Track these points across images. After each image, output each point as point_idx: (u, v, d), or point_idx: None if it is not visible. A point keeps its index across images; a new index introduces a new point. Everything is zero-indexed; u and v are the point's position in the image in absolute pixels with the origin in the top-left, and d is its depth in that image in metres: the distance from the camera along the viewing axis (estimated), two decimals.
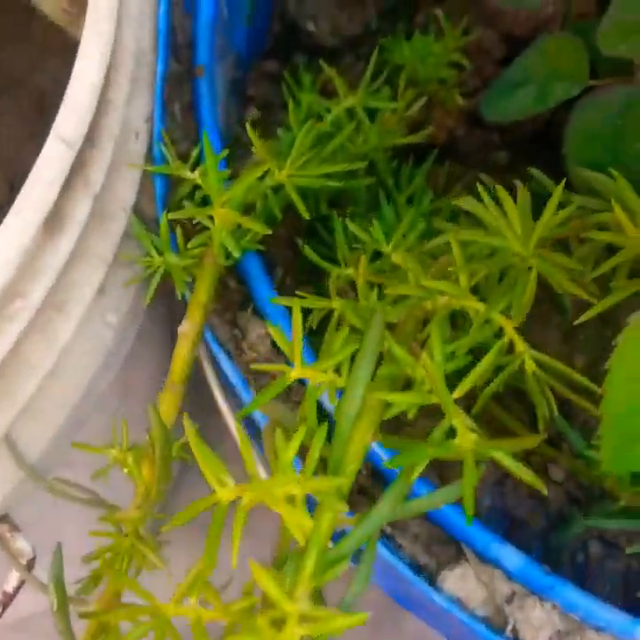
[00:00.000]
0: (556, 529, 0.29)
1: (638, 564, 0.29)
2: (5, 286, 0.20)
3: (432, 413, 0.20)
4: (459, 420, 0.17)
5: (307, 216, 0.22)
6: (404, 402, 0.17)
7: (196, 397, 0.32)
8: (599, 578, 0.29)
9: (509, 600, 0.21)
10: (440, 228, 0.22)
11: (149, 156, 0.25)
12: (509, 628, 0.20)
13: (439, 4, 0.38)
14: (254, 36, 0.35)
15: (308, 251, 0.24)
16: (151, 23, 0.28)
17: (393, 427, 0.24)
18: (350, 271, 0.23)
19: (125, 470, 0.22)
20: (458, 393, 0.17)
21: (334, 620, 0.14)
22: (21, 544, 0.25)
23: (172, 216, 0.22)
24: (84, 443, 0.22)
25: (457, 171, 0.33)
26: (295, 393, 0.24)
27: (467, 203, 0.21)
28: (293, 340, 0.18)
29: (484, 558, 0.21)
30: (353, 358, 0.18)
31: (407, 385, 0.18)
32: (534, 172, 0.24)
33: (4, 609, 0.26)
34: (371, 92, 0.29)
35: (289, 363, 0.20)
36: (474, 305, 0.18)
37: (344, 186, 0.27)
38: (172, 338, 0.24)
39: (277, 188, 0.23)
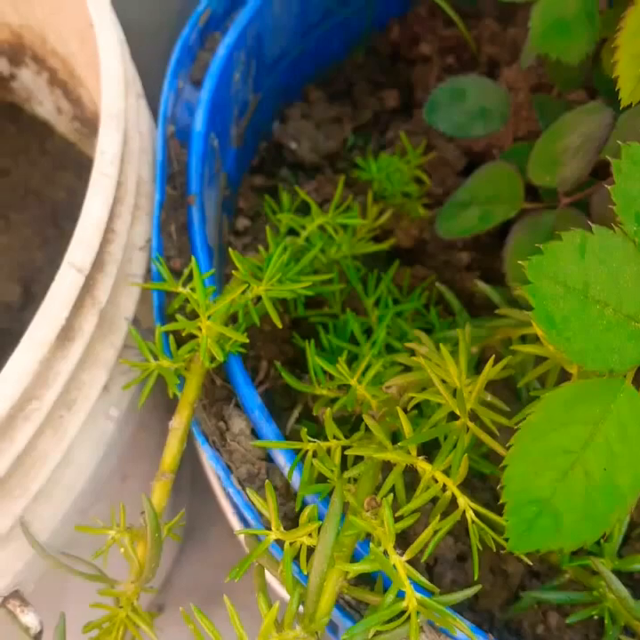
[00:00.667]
0: (513, 601, 0.31)
1: (595, 634, 0.31)
2: (24, 392, 0.24)
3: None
4: (406, 586, 0.20)
5: (280, 325, 0.26)
6: (360, 570, 0.20)
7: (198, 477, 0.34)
8: None
9: None
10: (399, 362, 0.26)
11: (148, 274, 0.29)
12: None
13: (407, 122, 0.43)
14: (243, 156, 0.40)
15: (285, 374, 0.28)
16: (149, 156, 0.32)
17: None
18: (324, 392, 0.27)
19: (122, 550, 0.25)
20: (407, 556, 0.20)
21: None
22: (30, 618, 0.27)
23: (165, 328, 0.26)
24: (87, 526, 0.25)
25: (420, 273, 0.37)
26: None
27: (419, 347, 0.25)
28: (269, 509, 0.21)
29: None
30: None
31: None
32: (480, 285, 0.28)
33: None
34: (341, 210, 0.33)
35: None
36: (422, 465, 0.22)
37: (317, 293, 0.31)
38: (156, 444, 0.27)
39: (258, 299, 0.27)
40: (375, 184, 0.37)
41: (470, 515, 0.21)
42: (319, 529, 0.21)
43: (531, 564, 0.22)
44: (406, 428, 0.22)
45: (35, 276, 0.44)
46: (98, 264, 0.26)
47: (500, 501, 0.18)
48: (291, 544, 0.22)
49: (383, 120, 0.45)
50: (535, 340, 0.23)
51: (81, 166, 0.48)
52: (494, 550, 0.21)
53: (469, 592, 0.21)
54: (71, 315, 0.25)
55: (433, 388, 0.23)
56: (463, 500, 0.21)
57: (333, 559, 0.20)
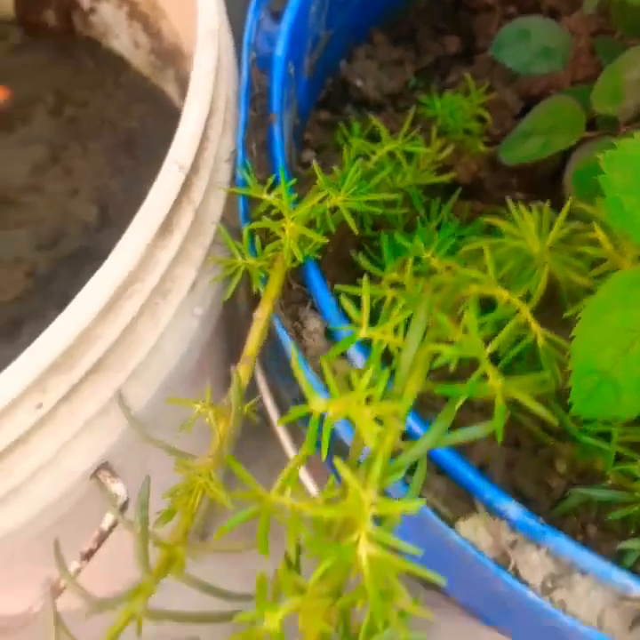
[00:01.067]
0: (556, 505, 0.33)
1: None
2: (130, 272, 0.26)
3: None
4: (490, 368, 0.22)
5: (356, 231, 0.28)
6: (447, 353, 0.22)
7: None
8: None
9: (512, 546, 0.26)
10: (470, 240, 0.28)
11: (233, 182, 0.32)
12: (511, 566, 0.26)
13: (468, 67, 0.45)
14: (312, 88, 0.42)
15: (361, 258, 0.31)
16: (235, 79, 0.35)
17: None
18: (394, 275, 0.29)
19: (206, 420, 0.28)
20: (490, 349, 0.23)
21: (397, 504, 0.19)
22: (118, 488, 0.31)
23: (253, 226, 0.29)
24: (176, 399, 0.28)
25: (478, 207, 0.39)
26: None
27: (493, 219, 0.27)
28: (362, 308, 0.23)
29: (492, 511, 0.26)
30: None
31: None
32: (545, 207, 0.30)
33: (99, 545, 0.32)
34: (408, 139, 0.35)
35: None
36: (499, 292, 0.24)
37: (384, 212, 0.33)
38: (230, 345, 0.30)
39: (333, 210, 0.30)
40: (439, 120, 0.39)
41: (541, 341, 0.23)
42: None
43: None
44: (488, 255, 0.24)
45: (110, 200, 0.47)
46: (194, 168, 0.29)
47: (567, 369, 0.20)
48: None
49: (444, 65, 0.46)
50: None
51: (154, 99, 0.51)
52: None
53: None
54: (171, 210, 0.28)
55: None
56: (535, 324, 0.23)
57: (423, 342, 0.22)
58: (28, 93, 0.51)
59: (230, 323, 0.39)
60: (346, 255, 0.37)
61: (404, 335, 0.23)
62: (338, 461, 0.19)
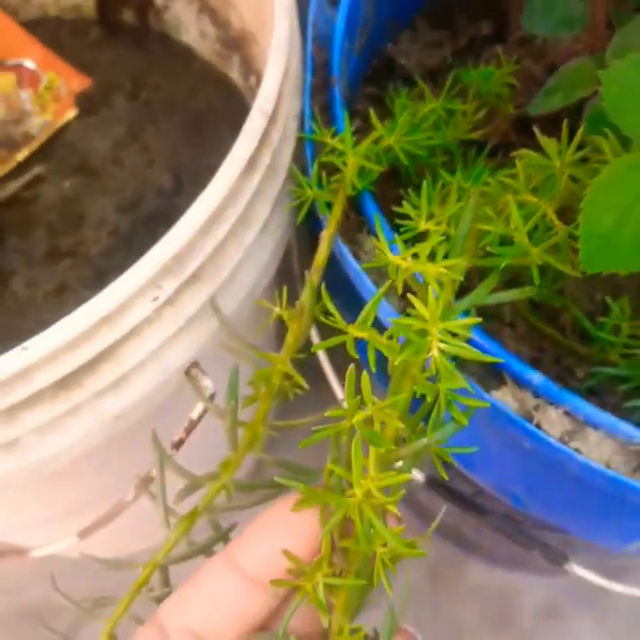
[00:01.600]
0: None
1: None
2: (223, 200, 0.33)
3: None
4: (528, 243, 0.27)
5: (405, 162, 0.34)
6: (494, 230, 0.28)
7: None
8: None
9: (535, 408, 0.32)
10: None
11: (301, 132, 0.38)
12: (534, 422, 0.31)
13: (500, 46, 0.51)
14: (360, 65, 0.48)
15: (410, 194, 0.36)
16: (300, 53, 0.41)
17: None
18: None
19: (285, 319, 0.33)
20: (527, 227, 0.28)
21: (460, 322, 0.24)
22: (206, 382, 0.37)
23: (322, 159, 0.35)
24: (262, 300, 0.34)
25: (507, 162, 0.45)
26: None
27: (522, 152, 0.33)
28: (422, 205, 0.29)
29: (518, 381, 0.32)
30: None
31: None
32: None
33: (188, 434, 0.38)
34: (448, 100, 0.41)
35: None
36: (530, 197, 0.30)
37: (427, 161, 0.39)
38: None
39: (387, 150, 0.36)
40: (474, 86, 0.45)
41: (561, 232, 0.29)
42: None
43: None
44: (520, 169, 0.30)
45: (181, 169, 0.54)
46: (272, 118, 0.35)
47: (577, 233, 0.26)
48: None
49: (477, 45, 0.52)
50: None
51: (219, 82, 0.58)
52: None
53: None
54: (255, 150, 0.34)
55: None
56: (557, 222, 0.29)
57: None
58: (109, 82, 0.58)
59: (289, 257, 0.45)
60: (395, 196, 0.43)
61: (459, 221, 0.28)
62: (411, 296, 0.24)
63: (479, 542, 0.63)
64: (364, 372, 0.23)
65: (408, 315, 0.25)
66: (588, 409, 0.31)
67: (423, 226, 0.28)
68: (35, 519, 0.49)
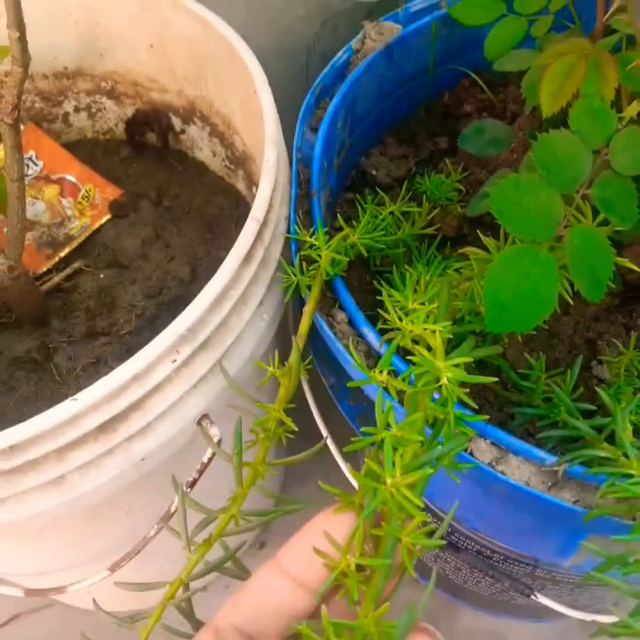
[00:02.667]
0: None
1: None
2: (226, 285, 0.43)
3: None
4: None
5: (365, 254, 0.45)
6: (464, 305, 0.37)
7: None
8: None
9: (470, 440, 0.40)
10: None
11: (288, 233, 0.49)
12: (468, 451, 0.40)
13: (453, 157, 0.62)
14: (340, 177, 0.60)
15: (376, 285, 0.47)
16: (288, 171, 0.53)
17: None
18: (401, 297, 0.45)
19: (278, 376, 0.43)
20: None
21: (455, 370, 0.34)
22: (214, 430, 0.46)
23: (303, 253, 0.45)
24: (260, 362, 0.44)
25: (455, 251, 0.55)
26: None
27: (467, 250, 0.43)
28: (408, 291, 0.39)
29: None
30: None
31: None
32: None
33: (200, 475, 0.47)
34: (404, 204, 0.52)
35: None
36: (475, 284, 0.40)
37: (387, 251, 0.50)
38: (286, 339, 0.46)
39: (353, 246, 0.46)
40: (428, 192, 0.56)
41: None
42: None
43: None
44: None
45: (197, 262, 0.64)
46: (264, 223, 0.46)
47: (482, 300, 0.35)
48: None
49: (436, 157, 0.64)
50: None
51: (228, 192, 0.70)
52: None
53: None
54: (251, 247, 0.44)
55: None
56: None
57: None
58: (136, 191, 0.70)
59: (285, 326, 0.55)
60: (364, 285, 0.53)
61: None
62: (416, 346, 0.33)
63: (465, 588, 0.70)
64: (388, 403, 0.32)
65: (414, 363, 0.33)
66: (507, 439, 0.39)
67: (411, 305, 0.37)
68: (73, 561, 0.57)
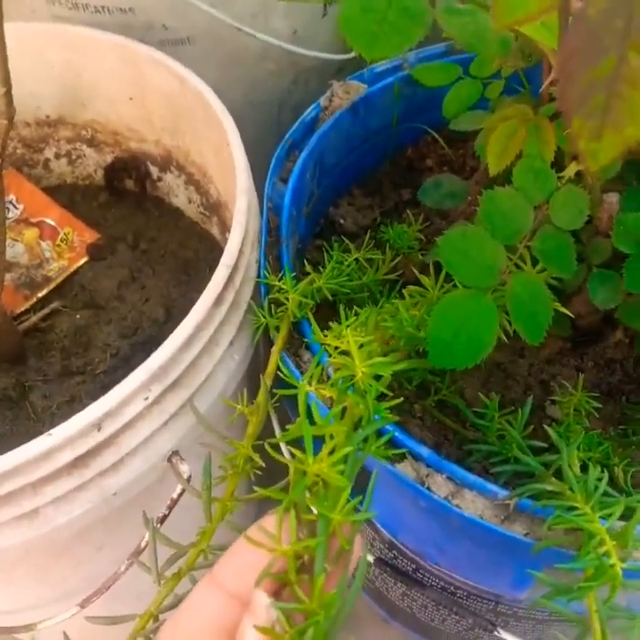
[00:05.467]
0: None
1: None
2: (197, 326, 0.45)
3: None
4: (413, 331, 0.40)
5: (330, 298, 0.47)
6: (392, 325, 0.40)
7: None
8: None
9: (427, 476, 0.43)
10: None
11: (258, 277, 0.51)
12: (426, 485, 0.42)
13: (415, 208, 0.66)
14: (309, 226, 0.63)
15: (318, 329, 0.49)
16: (258, 219, 0.56)
17: None
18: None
19: (246, 414, 0.45)
20: (413, 324, 0.41)
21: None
22: (184, 467, 0.48)
23: (271, 296, 0.48)
24: (229, 400, 0.46)
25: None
26: None
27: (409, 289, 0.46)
28: (342, 324, 0.41)
29: (415, 456, 0.43)
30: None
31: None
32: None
33: (170, 510, 0.48)
34: (367, 251, 0.55)
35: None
36: (413, 312, 0.42)
37: (352, 296, 0.53)
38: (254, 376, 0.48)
39: (319, 290, 0.49)
40: (392, 241, 0.59)
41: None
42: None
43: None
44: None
45: (172, 303, 0.67)
46: (235, 267, 0.49)
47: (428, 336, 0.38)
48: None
49: (400, 207, 0.67)
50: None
51: (202, 237, 0.72)
52: None
53: None
54: (222, 290, 0.47)
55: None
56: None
57: None
58: (114, 234, 0.73)
59: (254, 365, 0.57)
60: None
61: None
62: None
63: (432, 626, 0.71)
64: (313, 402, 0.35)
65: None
66: (462, 474, 0.42)
67: (343, 330, 0.40)
68: (43, 598, 0.57)
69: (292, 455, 0.32)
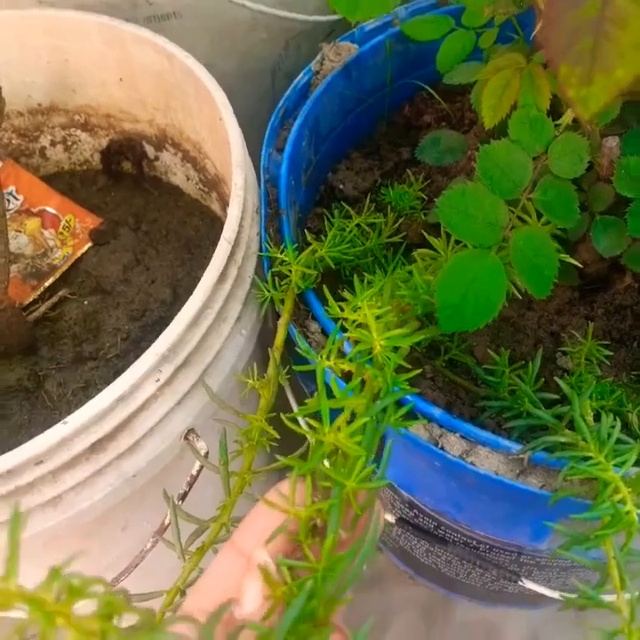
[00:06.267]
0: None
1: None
2: (203, 304, 0.45)
3: None
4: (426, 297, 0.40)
5: (333, 267, 0.47)
6: (407, 293, 0.39)
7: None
8: None
9: (440, 435, 0.43)
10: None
11: (260, 251, 0.51)
12: (439, 445, 0.42)
13: (416, 167, 0.65)
14: (308, 193, 0.63)
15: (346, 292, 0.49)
16: (257, 191, 0.55)
17: None
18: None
19: (257, 388, 0.45)
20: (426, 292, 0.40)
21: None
22: (201, 444, 0.48)
23: (274, 269, 0.48)
24: (240, 375, 0.46)
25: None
26: None
27: (419, 252, 0.46)
28: (357, 292, 0.41)
29: (427, 417, 0.43)
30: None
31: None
32: None
33: (190, 487, 0.49)
34: (369, 215, 0.55)
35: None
36: (426, 276, 0.42)
37: (357, 262, 0.52)
38: (264, 351, 0.48)
39: (321, 259, 0.49)
40: (393, 203, 0.58)
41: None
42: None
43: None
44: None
45: (178, 283, 0.67)
46: (236, 242, 0.48)
47: (436, 302, 0.38)
48: None
49: (400, 167, 0.67)
50: None
51: (203, 213, 0.72)
52: None
53: None
54: (225, 266, 0.47)
55: None
56: None
57: None
58: (115, 218, 0.73)
59: (263, 339, 0.57)
60: (336, 295, 0.56)
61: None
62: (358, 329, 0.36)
63: (457, 580, 0.72)
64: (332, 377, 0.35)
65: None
66: (475, 431, 0.42)
67: (358, 303, 0.39)
68: None
69: (310, 426, 0.33)
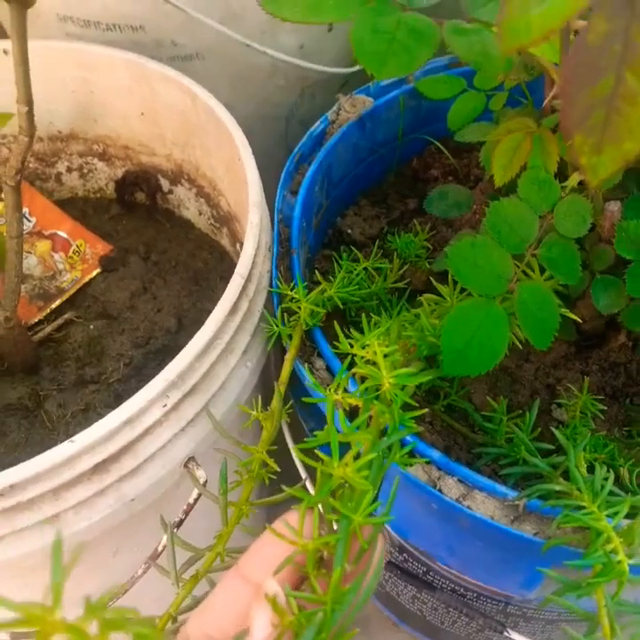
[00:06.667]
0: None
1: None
2: (213, 335, 0.47)
3: None
4: (432, 339, 0.41)
5: (341, 306, 0.49)
6: (413, 334, 0.41)
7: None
8: None
9: (438, 477, 0.44)
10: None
11: (271, 287, 0.53)
12: (437, 488, 0.43)
13: (421, 217, 0.67)
14: (318, 236, 0.65)
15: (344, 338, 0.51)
16: (270, 231, 0.57)
17: None
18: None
19: (261, 419, 0.46)
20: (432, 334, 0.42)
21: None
22: (201, 473, 0.49)
23: (283, 306, 0.49)
24: (244, 406, 0.47)
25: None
26: None
27: (425, 297, 0.47)
28: (365, 332, 0.42)
29: (425, 457, 0.44)
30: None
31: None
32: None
33: (186, 515, 0.50)
34: (376, 260, 0.57)
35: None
36: (432, 320, 0.43)
37: (362, 303, 0.54)
38: (266, 385, 0.50)
39: (329, 299, 0.50)
40: (399, 250, 0.61)
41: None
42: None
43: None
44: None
45: (183, 313, 0.68)
46: (249, 277, 0.50)
47: (441, 346, 0.39)
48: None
49: (406, 217, 0.69)
50: None
51: (212, 248, 0.74)
52: None
53: None
54: (236, 300, 0.48)
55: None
56: None
57: None
58: (126, 246, 0.74)
59: (267, 373, 0.59)
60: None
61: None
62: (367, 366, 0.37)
63: (442, 628, 0.72)
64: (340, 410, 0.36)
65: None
66: (472, 476, 0.43)
67: (367, 341, 0.40)
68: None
69: (303, 463, 0.34)
